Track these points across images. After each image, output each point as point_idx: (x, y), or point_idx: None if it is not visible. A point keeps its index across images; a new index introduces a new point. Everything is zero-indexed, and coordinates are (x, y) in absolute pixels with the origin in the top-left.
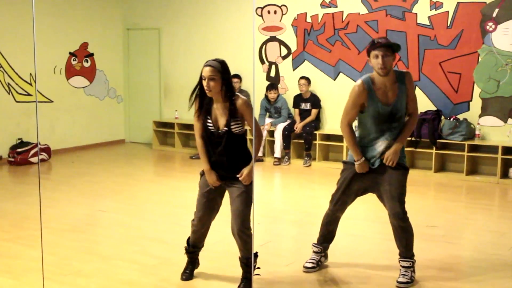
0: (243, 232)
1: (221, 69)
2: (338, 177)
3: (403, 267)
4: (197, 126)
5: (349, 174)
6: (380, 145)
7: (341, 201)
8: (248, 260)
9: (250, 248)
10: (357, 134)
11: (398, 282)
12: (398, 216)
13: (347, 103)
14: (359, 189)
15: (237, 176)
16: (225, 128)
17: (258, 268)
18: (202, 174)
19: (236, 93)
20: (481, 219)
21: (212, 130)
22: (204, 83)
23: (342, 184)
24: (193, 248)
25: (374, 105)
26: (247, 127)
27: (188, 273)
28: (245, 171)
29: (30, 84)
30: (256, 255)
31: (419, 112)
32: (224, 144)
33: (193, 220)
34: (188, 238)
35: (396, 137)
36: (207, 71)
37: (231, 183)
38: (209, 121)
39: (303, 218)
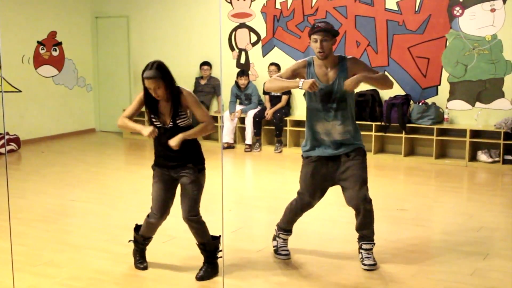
0: (190, 220)
1: (161, 74)
2: None
3: (366, 249)
4: None
5: (309, 168)
6: (323, 131)
7: (308, 193)
8: (204, 246)
9: (202, 233)
10: (306, 126)
11: (366, 265)
12: (367, 200)
13: (287, 69)
14: (323, 181)
15: (188, 164)
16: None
17: (221, 251)
18: (154, 168)
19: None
20: (450, 201)
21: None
22: (153, 93)
23: (305, 178)
24: (146, 239)
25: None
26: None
27: (145, 263)
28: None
29: None
30: (218, 238)
31: (388, 98)
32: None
33: (153, 214)
34: (136, 230)
35: (336, 119)
36: (150, 83)
37: (181, 172)
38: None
39: (274, 204)
